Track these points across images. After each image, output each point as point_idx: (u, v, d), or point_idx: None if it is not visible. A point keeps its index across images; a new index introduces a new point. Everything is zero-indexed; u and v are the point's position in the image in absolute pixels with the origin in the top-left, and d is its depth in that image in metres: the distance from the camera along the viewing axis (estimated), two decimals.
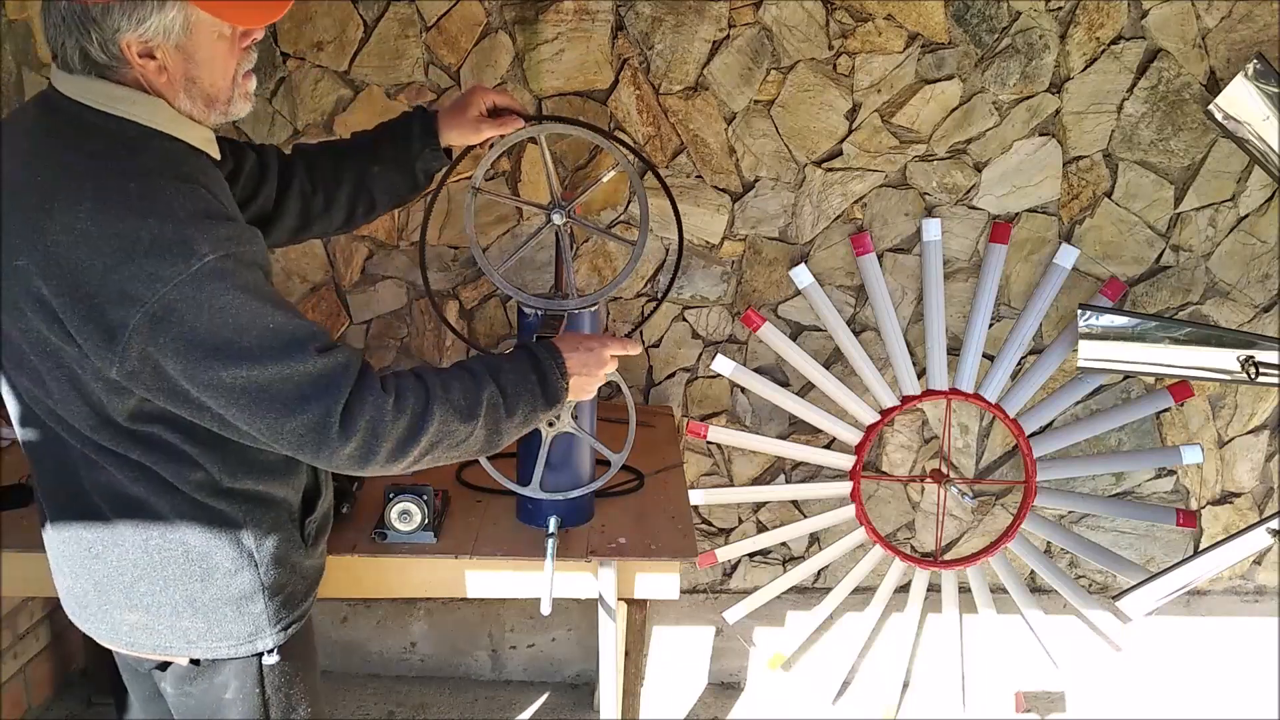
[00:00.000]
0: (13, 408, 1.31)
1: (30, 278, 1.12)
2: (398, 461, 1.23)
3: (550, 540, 1.75)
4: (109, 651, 1.42)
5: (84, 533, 1.28)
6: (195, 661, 1.34)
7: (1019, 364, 2.53)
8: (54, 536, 1.32)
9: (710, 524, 2.70)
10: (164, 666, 1.36)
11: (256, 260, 1.18)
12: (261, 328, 1.13)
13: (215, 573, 1.29)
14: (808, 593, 2.74)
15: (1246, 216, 2.49)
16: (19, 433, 1.32)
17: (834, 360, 2.56)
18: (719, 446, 2.64)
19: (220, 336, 1.10)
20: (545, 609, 1.71)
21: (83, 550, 1.29)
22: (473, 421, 1.27)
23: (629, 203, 2.45)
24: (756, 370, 2.54)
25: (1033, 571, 2.71)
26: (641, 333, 2.55)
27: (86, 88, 1.18)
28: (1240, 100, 2.20)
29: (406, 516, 1.78)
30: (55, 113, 1.20)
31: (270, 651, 1.34)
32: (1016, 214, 2.49)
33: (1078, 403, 2.58)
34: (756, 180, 2.46)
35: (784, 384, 2.55)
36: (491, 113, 1.65)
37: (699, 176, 2.45)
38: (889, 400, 2.51)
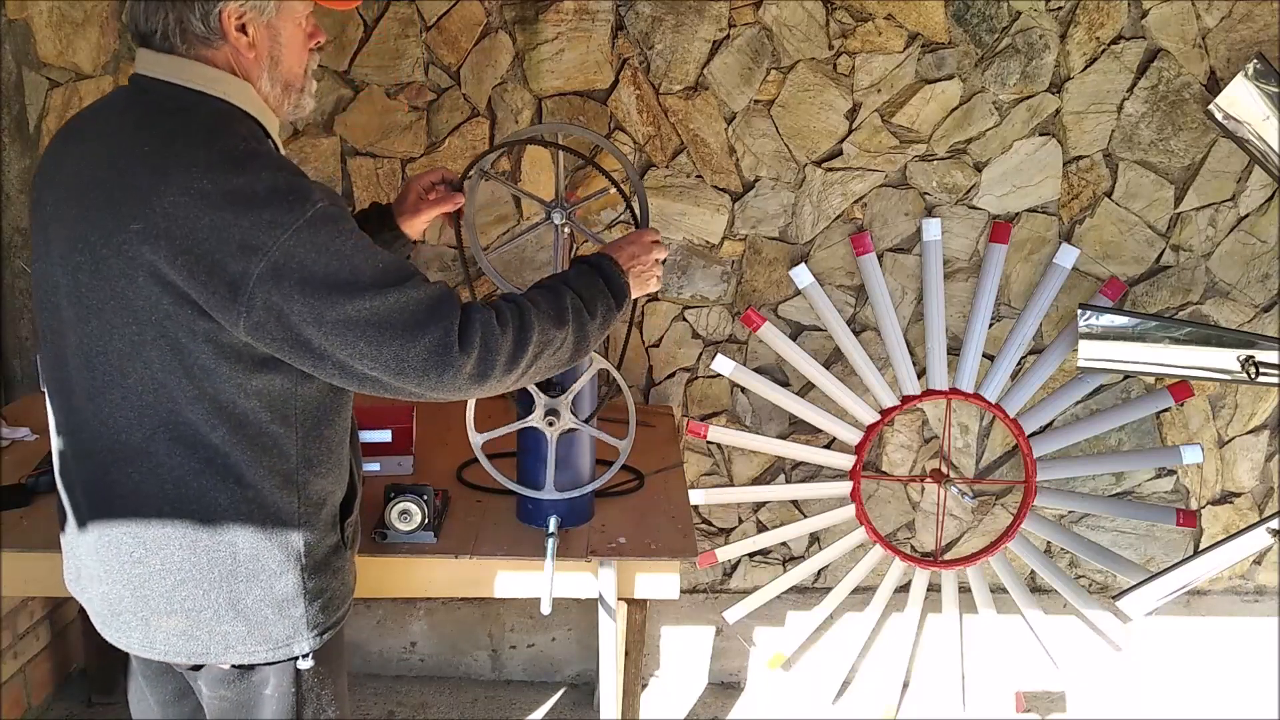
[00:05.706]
0: (60, 405, 1.30)
1: (140, 245, 1.15)
2: (510, 373, 1.29)
3: (550, 540, 1.75)
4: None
5: (128, 537, 1.27)
6: (235, 666, 1.34)
7: (1019, 364, 2.53)
8: (91, 542, 1.31)
9: (710, 524, 2.70)
10: (199, 666, 1.36)
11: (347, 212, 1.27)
12: (373, 264, 1.20)
13: (261, 574, 1.29)
14: (808, 593, 2.74)
15: (1246, 216, 2.49)
16: (66, 438, 1.31)
17: (834, 360, 2.56)
18: (719, 446, 2.64)
19: (340, 275, 1.17)
20: (545, 609, 1.71)
21: (124, 556, 1.28)
22: (564, 326, 1.35)
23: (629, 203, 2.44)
24: (756, 370, 2.54)
25: (1033, 571, 2.70)
26: (641, 332, 2.55)
27: (182, 69, 1.24)
28: (1240, 100, 2.20)
29: (406, 516, 1.78)
30: (149, 94, 1.25)
31: (305, 656, 1.35)
32: (1016, 214, 2.49)
33: (1078, 403, 2.58)
34: (756, 180, 2.46)
35: (784, 384, 2.55)
36: (450, 184, 1.73)
37: (699, 176, 2.45)
38: (889, 400, 2.51)
